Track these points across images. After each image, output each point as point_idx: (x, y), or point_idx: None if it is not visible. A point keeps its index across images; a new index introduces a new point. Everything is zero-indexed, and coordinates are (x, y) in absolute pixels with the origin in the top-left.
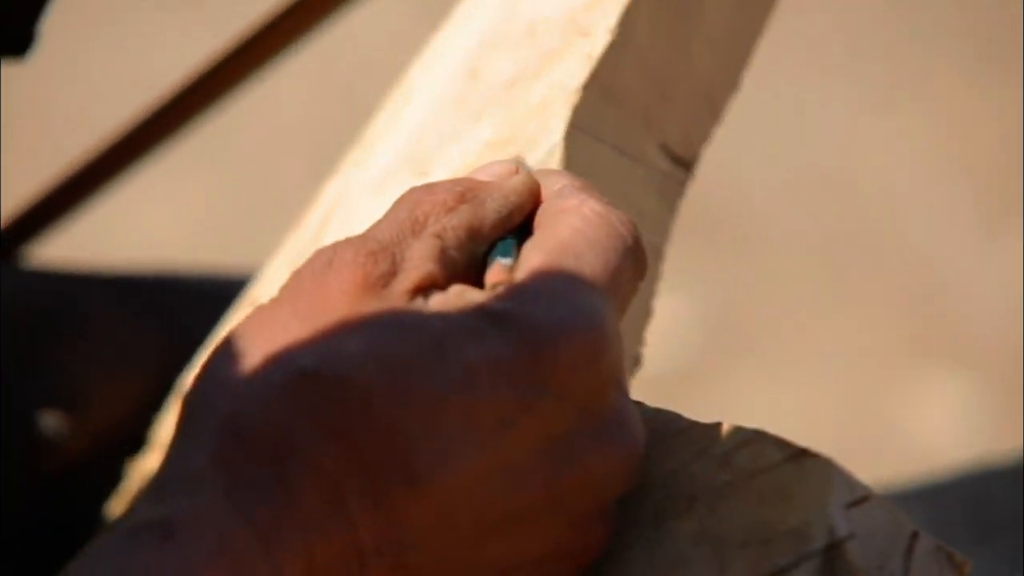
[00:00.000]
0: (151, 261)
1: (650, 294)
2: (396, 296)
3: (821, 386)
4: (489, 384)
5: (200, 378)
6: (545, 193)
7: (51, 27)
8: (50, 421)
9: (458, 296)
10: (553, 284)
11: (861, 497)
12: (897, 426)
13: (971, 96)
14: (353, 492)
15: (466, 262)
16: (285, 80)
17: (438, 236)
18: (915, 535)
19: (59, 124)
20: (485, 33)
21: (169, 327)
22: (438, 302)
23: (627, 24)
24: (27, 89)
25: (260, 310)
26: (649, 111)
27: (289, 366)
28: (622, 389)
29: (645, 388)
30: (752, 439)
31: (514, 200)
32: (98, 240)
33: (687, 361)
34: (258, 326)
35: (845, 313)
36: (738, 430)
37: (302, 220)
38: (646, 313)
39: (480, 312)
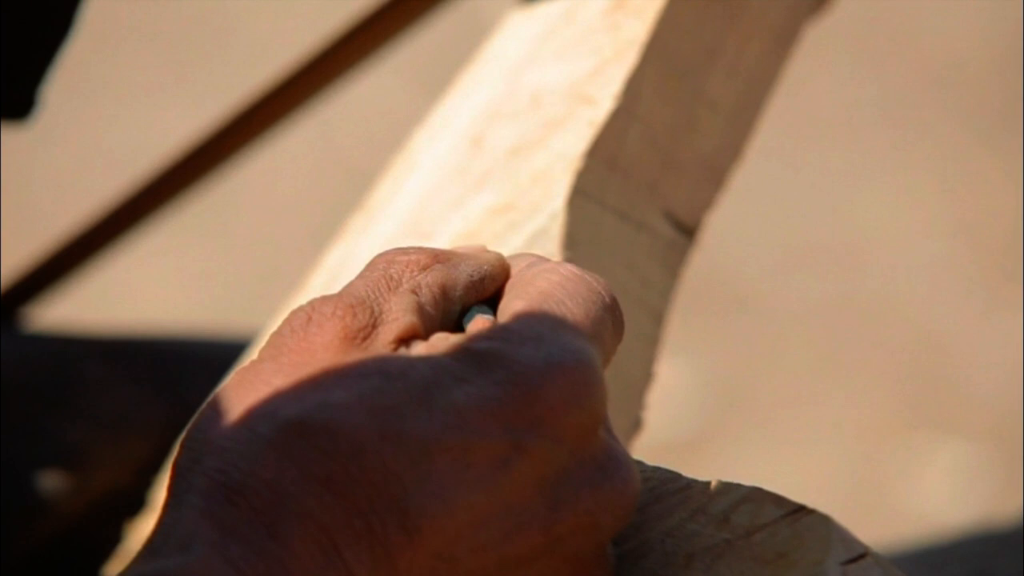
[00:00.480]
0: (151, 325)
1: (652, 359)
2: (379, 347)
3: (821, 455)
4: (480, 426)
5: (188, 437)
6: (515, 270)
7: (51, 93)
8: (49, 484)
9: (442, 341)
10: (537, 325)
11: (859, 554)
12: (897, 495)
13: (971, 164)
14: (347, 541)
15: (441, 321)
16: (285, 150)
17: (414, 292)
18: None
19: (54, 189)
20: (489, 103)
21: (168, 391)
22: (422, 349)
23: (631, 92)
24: (22, 155)
25: (243, 370)
26: (654, 178)
27: (275, 418)
28: (609, 429)
29: (643, 453)
30: (750, 496)
31: (486, 268)
32: (98, 305)
33: (686, 428)
34: (242, 384)
35: (845, 382)
36: (736, 487)
37: (305, 284)
38: (647, 377)
39: (466, 353)
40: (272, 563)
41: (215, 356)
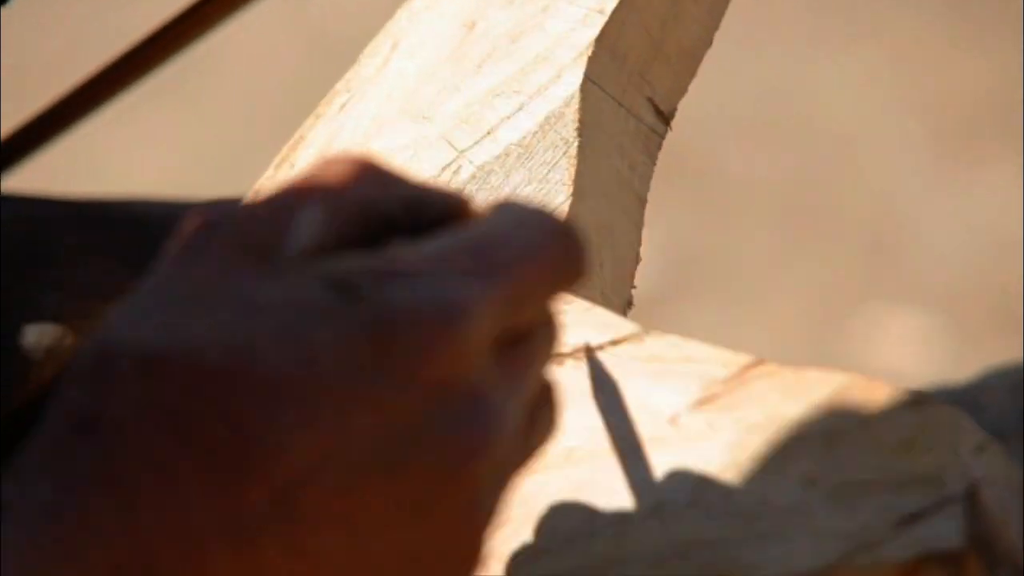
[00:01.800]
0: (124, 193)
1: (638, 241)
2: (277, 262)
3: (779, 321)
4: (333, 368)
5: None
6: (496, 213)
7: None
8: (20, 351)
9: (341, 261)
10: (425, 263)
11: (984, 443)
12: (855, 361)
13: (930, 36)
14: (190, 479)
15: (361, 240)
16: (258, 20)
17: (329, 204)
18: None
19: (32, 67)
20: None
21: (143, 260)
22: (296, 269)
23: None
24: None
25: (144, 280)
26: (643, 67)
27: (133, 349)
28: (480, 380)
29: None
30: (852, 387)
31: (427, 197)
32: (69, 174)
33: (645, 293)
34: (125, 299)
35: (803, 251)
36: (838, 375)
37: (290, 160)
38: (636, 258)
39: (340, 284)
40: (107, 496)
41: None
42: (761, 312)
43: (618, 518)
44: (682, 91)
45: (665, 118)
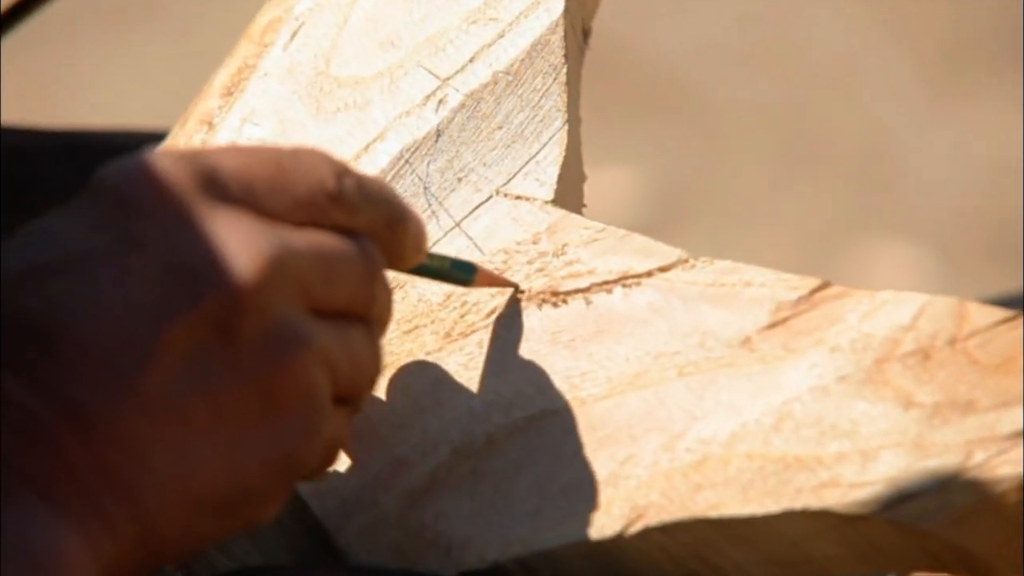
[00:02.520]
0: (113, 124)
1: (579, 160)
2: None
3: (770, 253)
4: (83, 233)
5: None
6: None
7: None
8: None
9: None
10: (133, 147)
11: None
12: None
13: None
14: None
15: None
16: None
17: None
18: None
19: None
20: None
21: None
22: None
23: None
24: None
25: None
26: None
27: None
28: (288, 314)
29: None
30: (934, 306)
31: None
32: (63, 107)
33: (638, 227)
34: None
35: (795, 182)
36: (919, 295)
37: (241, 87)
38: (580, 177)
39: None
40: None
41: None
42: (752, 244)
43: (700, 441)
44: (595, 9)
45: (587, 35)
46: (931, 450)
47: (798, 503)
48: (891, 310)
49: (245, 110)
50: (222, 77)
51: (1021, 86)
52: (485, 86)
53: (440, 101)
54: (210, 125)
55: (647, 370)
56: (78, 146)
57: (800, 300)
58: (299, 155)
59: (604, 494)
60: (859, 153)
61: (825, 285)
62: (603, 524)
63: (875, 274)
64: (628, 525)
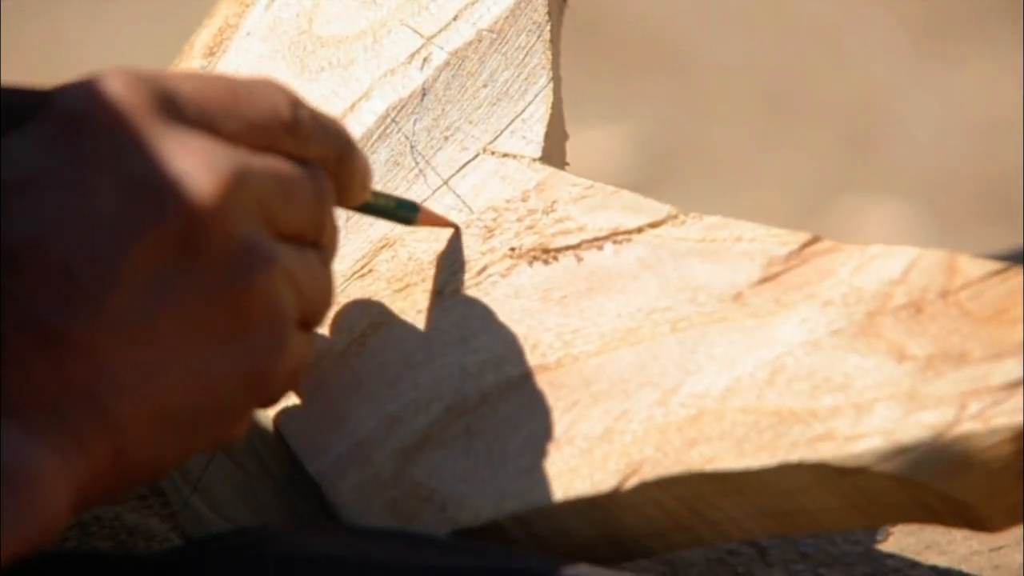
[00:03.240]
0: None
1: (561, 119)
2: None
3: (758, 212)
4: (41, 154)
5: None
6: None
7: None
8: None
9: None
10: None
11: None
12: None
13: None
14: None
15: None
16: None
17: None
18: None
19: None
20: None
21: None
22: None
23: None
24: None
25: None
26: None
27: None
28: (191, 127)
29: None
30: (925, 259)
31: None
32: (51, 63)
33: (624, 187)
34: None
35: (783, 142)
36: (910, 249)
37: (224, 47)
38: (563, 136)
39: (46, 111)
40: None
41: None
42: (740, 203)
43: (693, 396)
44: None
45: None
46: (925, 402)
47: (794, 456)
48: (882, 264)
49: (228, 69)
50: (204, 37)
51: (1009, 43)
52: (469, 44)
53: (425, 59)
54: None
55: (639, 326)
56: None
57: (791, 255)
58: (255, 83)
59: (599, 449)
60: (847, 111)
61: (816, 240)
62: (599, 479)
63: (863, 232)
64: (624, 480)
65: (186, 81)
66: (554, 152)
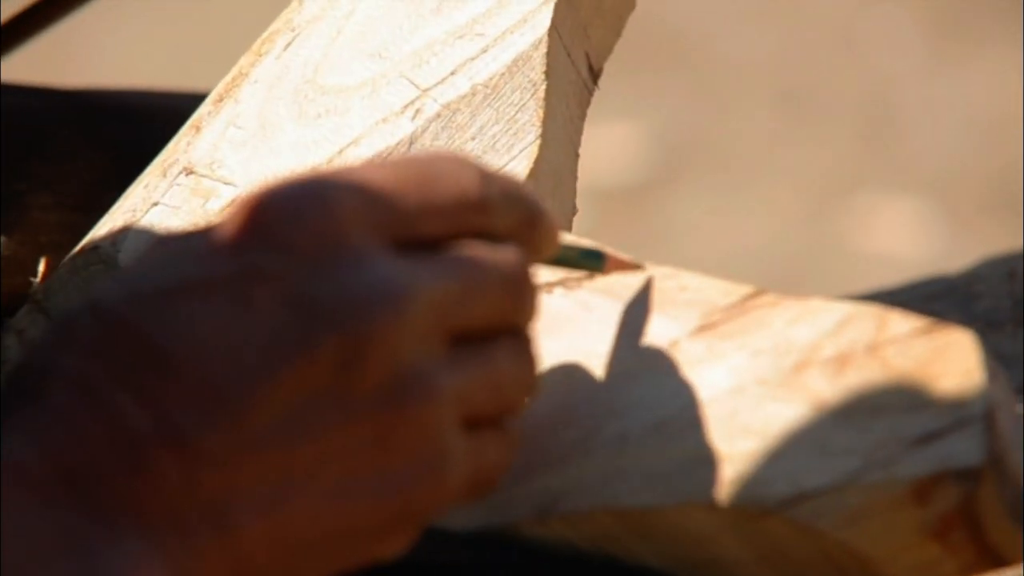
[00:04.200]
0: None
1: (574, 193)
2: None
3: (773, 206)
4: (211, 258)
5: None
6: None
7: None
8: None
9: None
10: (289, 180)
11: (995, 372)
12: (849, 247)
13: None
14: (113, 385)
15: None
16: None
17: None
18: (1021, 409)
19: None
20: None
21: (130, 153)
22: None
23: None
24: None
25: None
26: (588, 21)
27: (90, 303)
28: (370, 244)
29: (590, 202)
30: (859, 315)
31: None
32: (67, 65)
33: (640, 181)
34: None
35: (798, 136)
36: (845, 304)
37: (234, 96)
38: (573, 210)
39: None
40: (41, 412)
41: (182, 111)
42: (755, 198)
43: (616, 437)
44: (609, 50)
45: (595, 76)
46: (834, 450)
47: (698, 496)
48: (817, 317)
49: (231, 115)
50: (218, 87)
51: (1022, 39)
52: (463, 97)
53: (417, 110)
54: (197, 129)
55: (575, 369)
56: (88, 107)
57: (732, 306)
58: (442, 163)
59: (516, 486)
60: (861, 107)
61: (759, 292)
62: (512, 514)
63: (877, 227)
64: (531, 514)
65: (377, 173)
66: (555, 201)
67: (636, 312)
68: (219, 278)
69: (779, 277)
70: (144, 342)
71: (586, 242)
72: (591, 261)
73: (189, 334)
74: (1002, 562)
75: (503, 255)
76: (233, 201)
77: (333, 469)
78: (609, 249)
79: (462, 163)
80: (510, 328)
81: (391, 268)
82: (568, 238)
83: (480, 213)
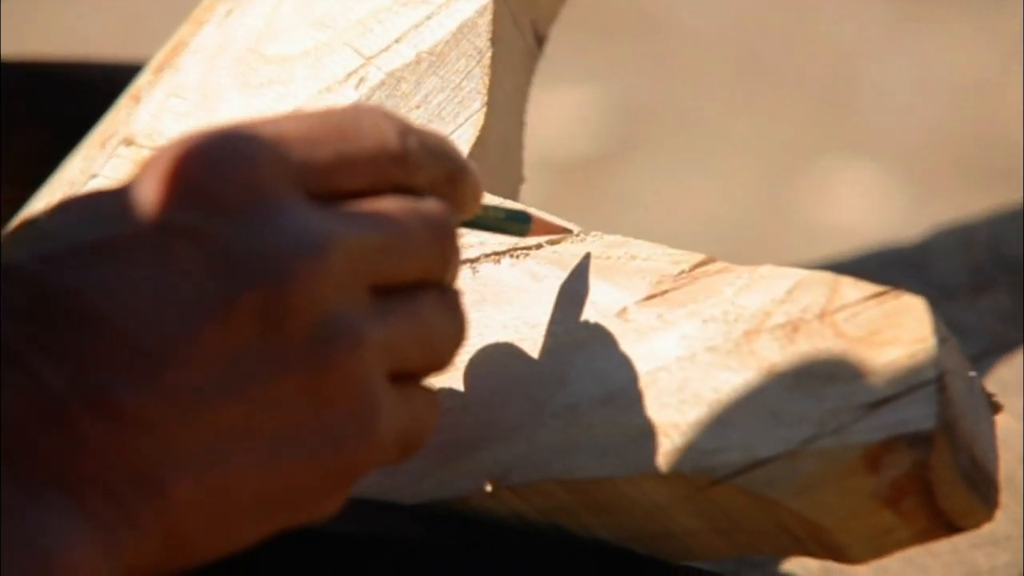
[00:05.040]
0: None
1: (521, 162)
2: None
3: (730, 174)
4: (128, 216)
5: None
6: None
7: None
8: None
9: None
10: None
11: (946, 336)
12: (809, 217)
13: None
14: (29, 347)
15: None
16: None
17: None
18: (974, 376)
19: None
20: None
21: (77, 128)
22: None
23: None
24: None
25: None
26: None
27: (3, 266)
28: (288, 196)
29: (548, 173)
30: (810, 281)
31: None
32: (21, 35)
33: (595, 149)
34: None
35: (756, 104)
36: (796, 270)
37: (174, 64)
38: (520, 179)
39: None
40: None
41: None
42: (713, 167)
43: (566, 407)
44: (554, 17)
45: (540, 43)
46: (786, 418)
47: (649, 467)
48: (768, 284)
49: (171, 85)
50: (157, 56)
51: (984, 6)
52: (408, 65)
53: (361, 79)
54: (137, 99)
55: (523, 338)
56: (30, 78)
57: (681, 274)
58: (362, 115)
59: (465, 458)
60: (820, 76)
61: (709, 260)
62: (459, 486)
63: (835, 197)
64: (482, 487)
65: (293, 125)
66: (504, 177)
67: (583, 281)
68: (137, 235)
69: (736, 247)
70: (62, 303)
71: (512, 204)
72: (516, 223)
73: (108, 293)
74: (955, 529)
75: (425, 207)
76: (145, 157)
77: (264, 426)
78: (536, 211)
79: (383, 115)
80: (435, 282)
81: (310, 218)
82: (493, 199)
83: (400, 166)
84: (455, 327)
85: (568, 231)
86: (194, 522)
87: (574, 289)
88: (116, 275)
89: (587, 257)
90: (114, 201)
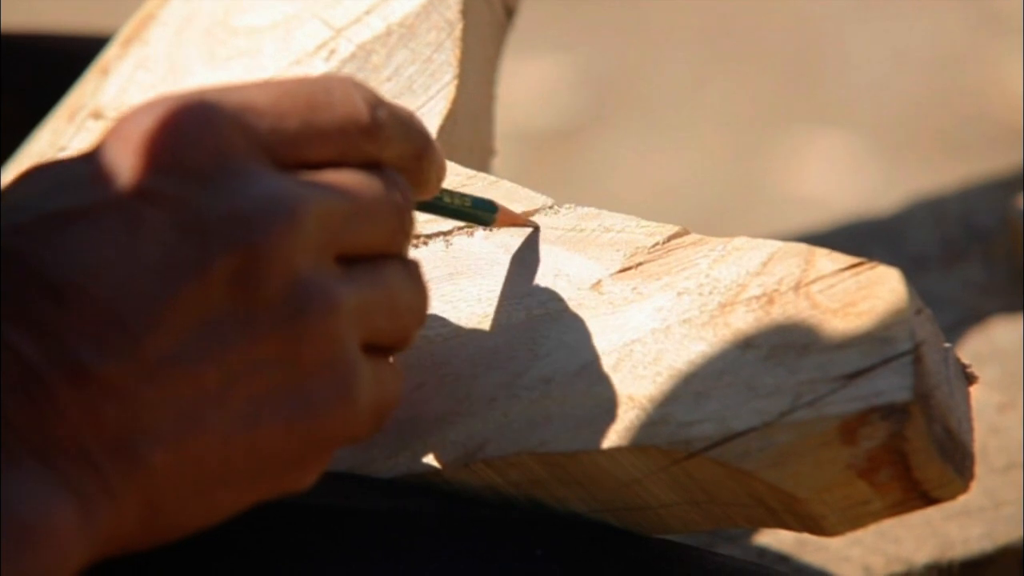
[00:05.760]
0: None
1: (492, 134)
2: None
3: (701, 146)
4: (96, 184)
5: None
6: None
7: None
8: None
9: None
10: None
11: (921, 307)
12: (780, 187)
13: None
14: (4, 320)
15: None
16: None
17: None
18: (948, 347)
19: None
20: None
21: (41, 98)
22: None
23: None
24: None
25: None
26: None
27: None
28: (256, 161)
29: (519, 144)
30: (785, 253)
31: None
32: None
33: (566, 120)
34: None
35: (726, 73)
36: (771, 242)
37: (142, 38)
38: (492, 151)
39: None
40: None
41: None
42: (683, 137)
43: (540, 380)
44: None
45: (509, 14)
46: (761, 391)
47: (625, 440)
48: (742, 256)
49: (139, 57)
50: (125, 28)
51: None
52: (378, 38)
53: (331, 51)
54: (105, 72)
55: (496, 311)
56: (10, 48)
57: (656, 246)
58: (333, 85)
59: (439, 431)
60: (790, 45)
61: (683, 232)
62: (433, 459)
63: (806, 167)
64: (456, 460)
65: (261, 94)
66: (474, 150)
67: (555, 253)
68: (106, 202)
69: (707, 217)
70: (33, 272)
71: (479, 194)
72: (483, 212)
73: (79, 261)
74: (930, 500)
75: (390, 179)
76: (110, 122)
77: (240, 393)
78: (502, 203)
79: (354, 86)
80: (396, 254)
81: (280, 183)
82: (462, 184)
83: (368, 139)
84: (419, 298)
85: (532, 225)
86: (172, 490)
87: (540, 261)
88: (88, 243)
89: (537, 231)
90: (82, 169)
